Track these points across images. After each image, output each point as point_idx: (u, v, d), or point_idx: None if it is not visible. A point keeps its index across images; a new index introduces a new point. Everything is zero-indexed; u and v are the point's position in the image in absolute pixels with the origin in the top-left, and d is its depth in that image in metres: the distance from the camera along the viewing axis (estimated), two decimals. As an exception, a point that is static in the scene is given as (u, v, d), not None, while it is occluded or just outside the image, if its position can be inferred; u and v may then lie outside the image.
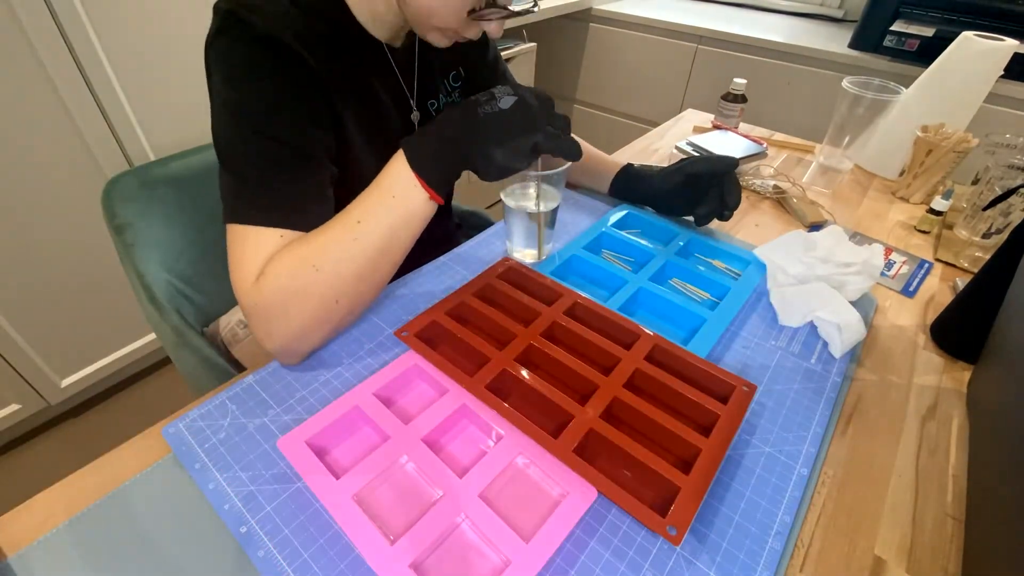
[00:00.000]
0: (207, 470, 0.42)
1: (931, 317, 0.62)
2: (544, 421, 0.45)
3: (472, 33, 0.55)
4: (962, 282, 0.67)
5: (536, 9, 0.59)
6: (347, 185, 0.54)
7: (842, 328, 0.55)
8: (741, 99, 1.04)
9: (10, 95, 0.92)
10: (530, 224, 0.61)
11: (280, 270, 0.46)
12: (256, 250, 0.47)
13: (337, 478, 0.40)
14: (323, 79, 0.52)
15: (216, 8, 0.49)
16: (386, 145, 0.62)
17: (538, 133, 0.49)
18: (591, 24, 1.89)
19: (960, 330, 0.58)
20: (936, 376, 0.55)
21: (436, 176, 0.48)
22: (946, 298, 0.65)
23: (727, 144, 0.91)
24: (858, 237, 0.76)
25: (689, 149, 0.91)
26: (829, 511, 0.42)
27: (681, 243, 0.69)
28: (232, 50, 0.48)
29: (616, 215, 0.74)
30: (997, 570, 0.35)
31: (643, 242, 0.69)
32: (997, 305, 0.52)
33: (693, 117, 1.16)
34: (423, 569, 0.36)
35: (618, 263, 0.67)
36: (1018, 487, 0.36)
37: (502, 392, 0.48)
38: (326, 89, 0.53)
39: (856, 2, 1.73)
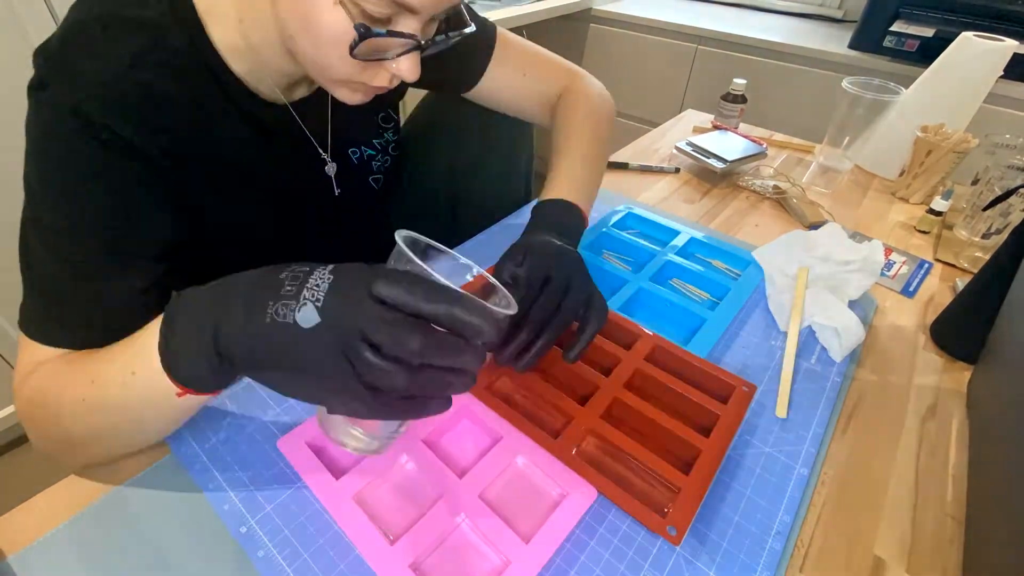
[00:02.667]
0: (207, 470, 0.42)
1: (931, 317, 0.62)
2: (544, 421, 0.45)
3: (380, 80, 0.42)
4: (962, 282, 0.67)
5: (451, 36, 0.42)
6: (240, 255, 0.45)
7: (840, 332, 0.55)
8: (741, 99, 1.04)
9: (10, 95, 0.92)
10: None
11: (30, 392, 0.40)
12: (31, 360, 0.41)
13: (337, 478, 0.40)
14: (168, 158, 0.43)
15: (36, 55, 0.40)
16: (290, 209, 0.56)
17: (348, 389, 0.29)
18: (591, 24, 1.89)
19: (960, 330, 0.58)
20: (936, 376, 0.55)
21: (188, 372, 0.32)
22: (946, 298, 0.65)
23: (727, 144, 0.91)
24: (858, 237, 0.76)
25: (689, 149, 0.91)
26: (829, 511, 0.42)
27: (681, 243, 0.69)
28: (40, 119, 0.39)
29: (616, 215, 0.74)
30: (997, 570, 0.35)
31: (643, 242, 0.69)
32: (997, 305, 0.52)
33: (693, 117, 1.16)
34: (423, 569, 0.36)
35: (618, 263, 0.67)
36: (1018, 487, 0.36)
37: (502, 392, 0.48)
38: (173, 169, 0.44)
39: (856, 2, 1.73)
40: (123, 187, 0.41)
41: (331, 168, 0.59)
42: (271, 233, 0.56)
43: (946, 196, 0.76)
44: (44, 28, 0.91)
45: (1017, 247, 0.52)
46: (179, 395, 0.33)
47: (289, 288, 0.29)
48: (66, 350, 0.41)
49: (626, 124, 1.99)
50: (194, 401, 0.35)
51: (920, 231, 0.79)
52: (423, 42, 0.40)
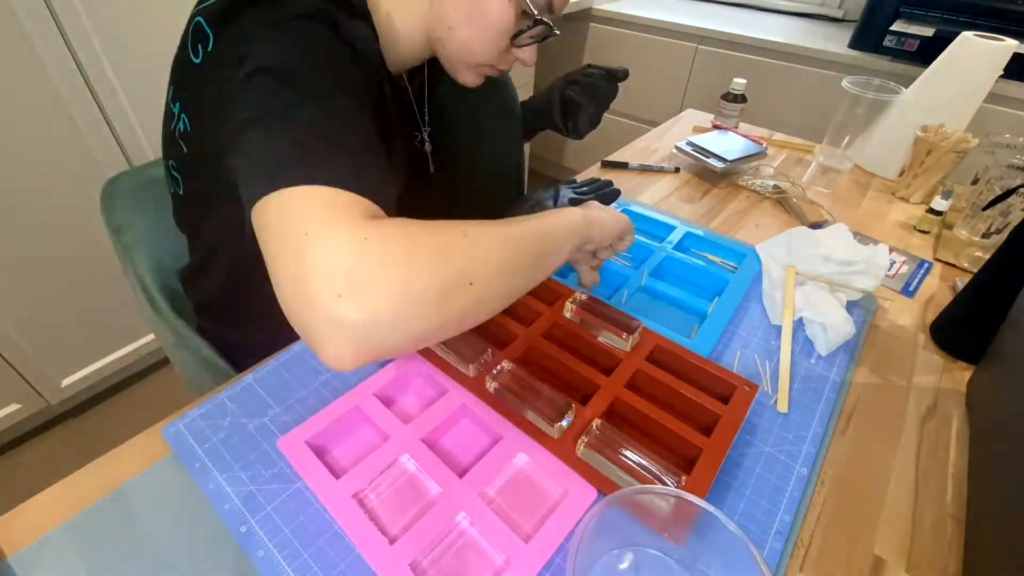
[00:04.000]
0: (207, 470, 0.42)
1: (931, 317, 0.62)
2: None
3: (506, 64, 0.54)
4: (962, 282, 0.67)
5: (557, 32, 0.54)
6: None
7: (828, 327, 0.55)
8: (741, 99, 1.04)
9: (10, 95, 0.92)
10: None
11: (413, 221, 0.34)
12: (345, 204, 0.33)
13: (337, 478, 0.40)
14: (382, 99, 0.49)
15: (300, 6, 0.40)
16: (412, 180, 0.63)
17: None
18: (591, 24, 1.88)
19: (960, 330, 0.58)
20: (936, 376, 0.55)
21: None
22: (946, 298, 0.65)
23: (727, 143, 0.91)
24: (859, 237, 0.76)
25: (689, 149, 0.91)
26: (829, 511, 0.42)
27: (677, 238, 0.69)
28: (318, 35, 0.39)
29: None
30: (997, 570, 0.35)
31: (640, 238, 0.69)
32: (997, 305, 0.52)
33: (693, 117, 1.16)
34: (423, 569, 0.36)
35: (618, 259, 0.67)
36: (1018, 487, 0.36)
37: (502, 391, 0.48)
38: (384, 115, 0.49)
39: (856, 2, 1.73)
40: (363, 85, 0.42)
41: (428, 146, 0.66)
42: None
43: (946, 196, 0.76)
44: (45, 28, 0.91)
45: (1017, 247, 0.51)
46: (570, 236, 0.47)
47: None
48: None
49: (626, 124, 1.99)
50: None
51: (920, 231, 0.79)
52: (551, 26, 0.51)
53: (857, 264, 0.61)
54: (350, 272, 0.30)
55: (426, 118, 0.66)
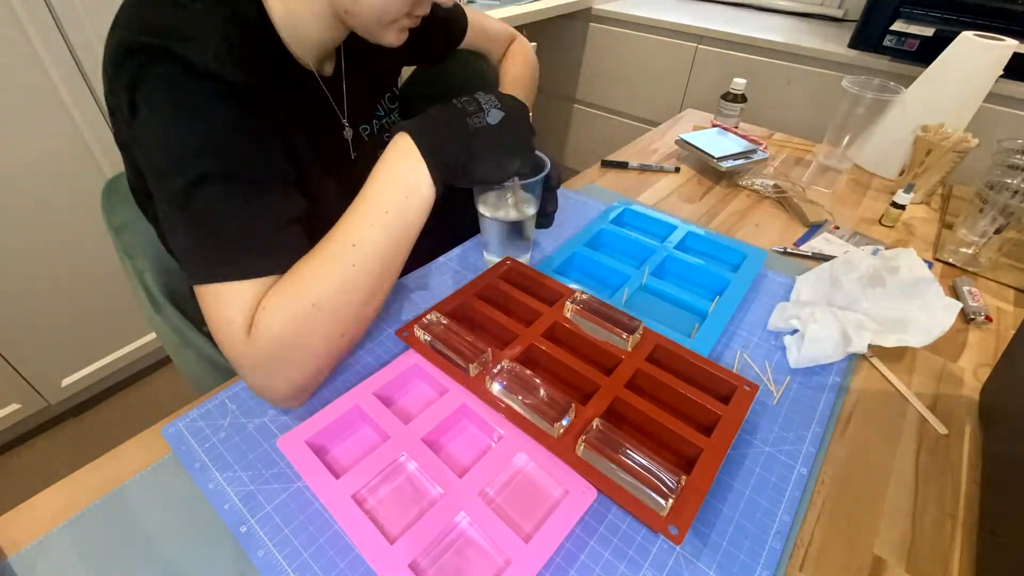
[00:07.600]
0: (207, 470, 0.42)
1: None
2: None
3: (422, 9, 0.53)
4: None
5: None
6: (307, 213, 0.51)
7: (807, 342, 0.53)
8: (741, 99, 1.04)
9: (10, 94, 0.92)
10: (507, 231, 0.60)
11: (275, 318, 0.42)
12: (238, 304, 0.42)
13: (337, 478, 0.40)
14: (270, 108, 0.48)
15: (129, 43, 0.42)
16: (335, 168, 0.61)
17: (525, 152, 0.51)
18: (591, 24, 1.88)
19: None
20: (936, 376, 0.55)
21: (440, 173, 0.47)
22: (946, 298, 0.66)
23: (723, 144, 0.91)
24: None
25: (691, 142, 0.91)
26: (829, 511, 0.42)
27: (679, 238, 0.69)
28: (168, 86, 0.42)
29: (614, 212, 0.74)
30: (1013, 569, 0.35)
31: (642, 238, 0.69)
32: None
33: (693, 117, 1.16)
34: (422, 569, 0.36)
35: (618, 259, 0.67)
36: None
37: (502, 390, 0.48)
38: (275, 119, 0.49)
39: (856, 2, 1.72)
40: (251, 125, 0.46)
41: (348, 133, 0.65)
42: (329, 190, 0.60)
43: (907, 190, 0.77)
44: (45, 28, 0.91)
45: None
46: (428, 196, 0.47)
47: (471, 108, 0.48)
48: (267, 280, 0.43)
49: (626, 123, 1.98)
50: (427, 210, 0.48)
51: (884, 225, 0.79)
52: None
53: (916, 320, 0.55)
54: (262, 382, 0.43)
55: (344, 107, 0.64)
